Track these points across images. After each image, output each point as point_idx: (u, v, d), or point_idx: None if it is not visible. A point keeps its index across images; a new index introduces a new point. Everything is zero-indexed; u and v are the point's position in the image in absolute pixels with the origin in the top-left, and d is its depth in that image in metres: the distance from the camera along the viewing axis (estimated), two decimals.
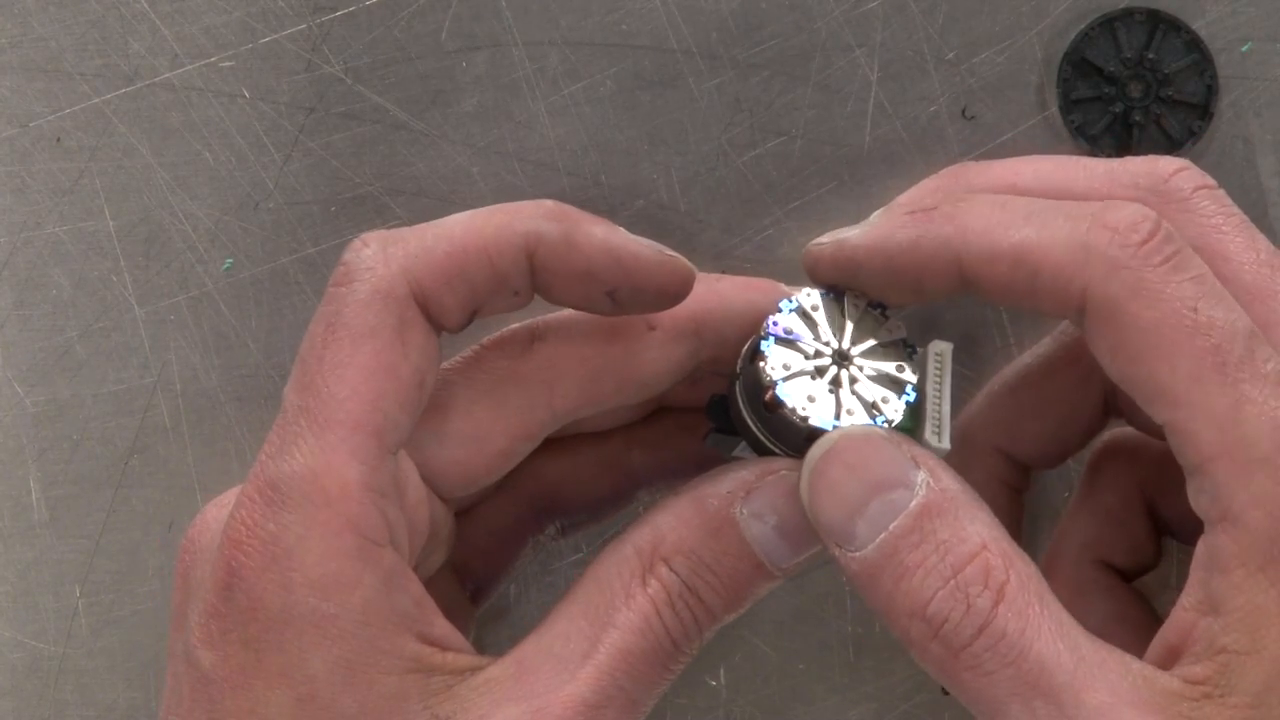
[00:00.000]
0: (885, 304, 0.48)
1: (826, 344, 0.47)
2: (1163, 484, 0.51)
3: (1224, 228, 0.47)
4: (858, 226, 0.47)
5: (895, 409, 0.46)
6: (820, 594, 0.55)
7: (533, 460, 0.49)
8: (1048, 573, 0.51)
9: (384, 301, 0.44)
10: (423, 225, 0.46)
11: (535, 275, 0.46)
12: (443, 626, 0.45)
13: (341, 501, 0.43)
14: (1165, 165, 0.48)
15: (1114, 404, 0.51)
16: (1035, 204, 0.45)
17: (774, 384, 0.46)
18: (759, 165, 0.55)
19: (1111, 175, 0.48)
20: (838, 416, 0.46)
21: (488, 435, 0.47)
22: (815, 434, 0.45)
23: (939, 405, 0.47)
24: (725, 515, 0.45)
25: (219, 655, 0.44)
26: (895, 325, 0.48)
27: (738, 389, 0.47)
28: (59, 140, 0.55)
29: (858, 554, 0.43)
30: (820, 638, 0.55)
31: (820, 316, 0.47)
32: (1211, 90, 0.54)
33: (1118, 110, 0.54)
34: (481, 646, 0.46)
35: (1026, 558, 0.44)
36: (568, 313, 0.49)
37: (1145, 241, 0.43)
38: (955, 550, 0.43)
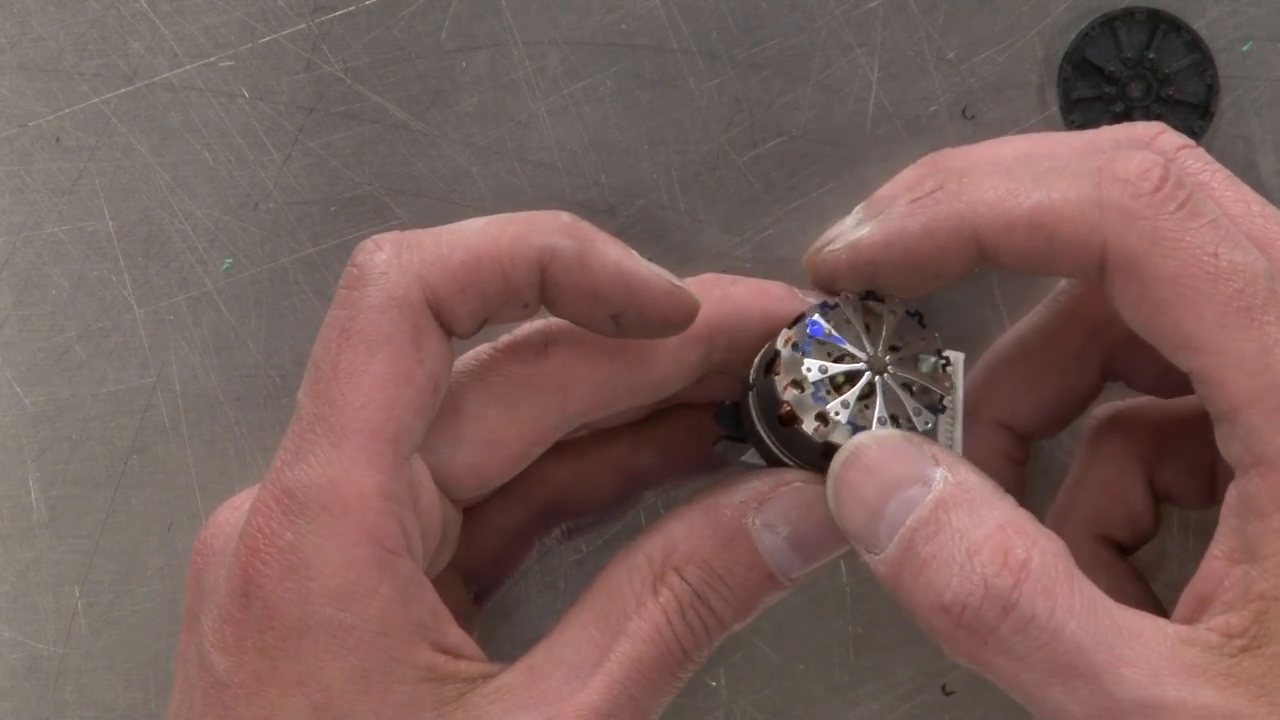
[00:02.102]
0: (912, 307, 0.47)
1: (843, 357, 0.46)
2: (1162, 451, 0.51)
3: (1212, 184, 0.47)
4: (863, 226, 0.47)
5: (911, 424, 0.46)
6: (820, 594, 0.55)
7: (540, 463, 0.49)
8: None
9: (399, 308, 0.44)
10: (437, 230, 0.45)
11: (544, 289, 0.46)
12: (456, 634, 0.45)
13: (359, 511, 0.43)
14: (1144, 130, 0.48)
15: (1112, 367, 0.51)
16: (1039, 166, 0.45)
17: (791, 398, 0.45)
18: (759, 165, 0.54)
19: (1092, 145, 0.48)
20: (853, 432, 0.45)
21: (501, 439, 0.47)
22: (831, 448, 0.45)
23: (951, 415, 0.46)
24: (738, 526, 0.45)
25: (234, 661, 0.44)
26: (919, 339, 0.47)
27: (751, 400, 0.47)
28: (58, 140, 0.54)
29: (881, 555, 0.43)
30: (820, 638, 0.55)
31: (837, 329, 0.47)
32: (1212, 90, 0.54)
33: (1118, 110, 0.54)
34: (480, 646, 0.46)
35: (1054, 536, 0.43)
36: None
37: (1157, 189, 0.43)
38: (970, 535, 0.42)
